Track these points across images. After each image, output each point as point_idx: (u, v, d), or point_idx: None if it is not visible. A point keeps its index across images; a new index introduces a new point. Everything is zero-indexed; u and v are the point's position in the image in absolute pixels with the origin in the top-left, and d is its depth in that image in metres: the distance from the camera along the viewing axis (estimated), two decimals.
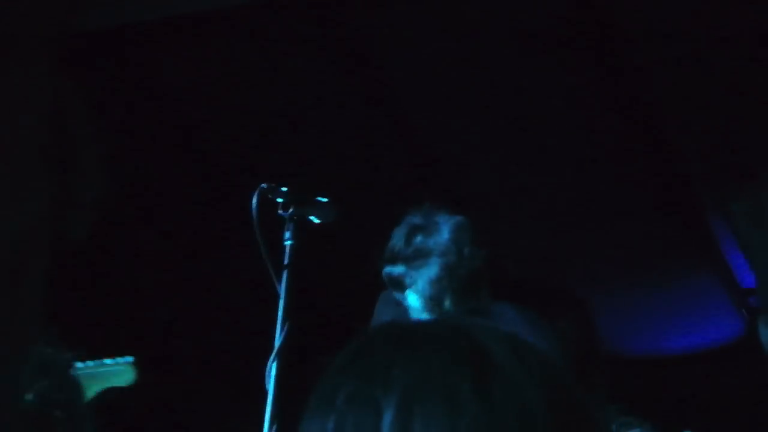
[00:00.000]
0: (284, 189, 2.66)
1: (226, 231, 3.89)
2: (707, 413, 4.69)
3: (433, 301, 2.61)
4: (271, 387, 2.36)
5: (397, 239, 2.76)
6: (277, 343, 2.43)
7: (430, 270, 2.64)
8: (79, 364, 2.12)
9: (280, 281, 2.53)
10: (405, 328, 0.79)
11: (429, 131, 4.10)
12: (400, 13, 3.68)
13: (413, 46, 3.76)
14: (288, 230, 2.64)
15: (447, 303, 2.60)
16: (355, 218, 3.16)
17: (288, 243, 2.62)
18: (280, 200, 2.65)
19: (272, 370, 2.39)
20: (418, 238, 2.72)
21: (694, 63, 3.63)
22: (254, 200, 2.60)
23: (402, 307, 2.77)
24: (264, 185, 2.64)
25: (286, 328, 2.45)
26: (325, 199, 2.70)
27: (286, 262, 2.58)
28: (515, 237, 4.34)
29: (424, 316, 2.62)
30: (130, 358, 2.94)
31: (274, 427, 2.31)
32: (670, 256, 4.62)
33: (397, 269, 2.74)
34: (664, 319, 5.07)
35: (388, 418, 0.72)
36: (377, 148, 4.08)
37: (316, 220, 2.69)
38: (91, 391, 2.64)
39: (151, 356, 4.10)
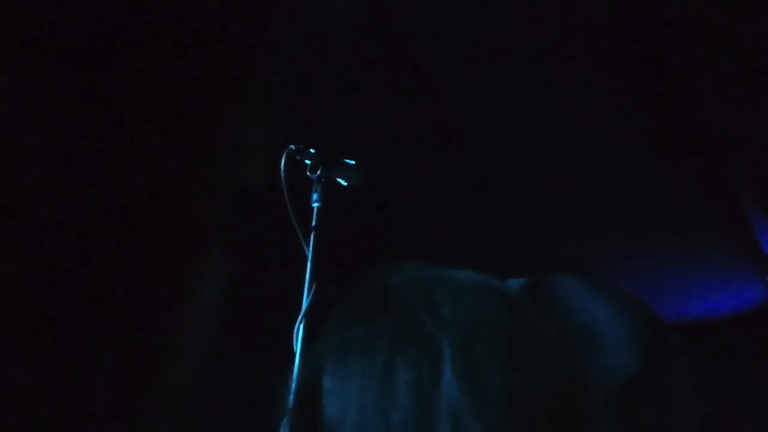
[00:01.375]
0: (312, 151, 2.66)
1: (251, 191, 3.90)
2: (726, 381, 4.69)
3: None
4: (298, 349, 2.38)
5: None
6: (304, 305, 2.44)
7: None
8: None
9: (307, 243, 2.54)
10: (426, 277, 0.75)
11: (455, 97, 4.08)
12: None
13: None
14: (315, 192, 2.64)
15: None
16: (383, 181, 3.16)
17: (315, 205, 2.62)
18: (308, 162, 2.65)
19: (299, 332, 2.41)
20: None
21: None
22: (282, 161, 2.60)
23: None
24: (292, 146, 2.64)
25: (313, 291, 2.46)
26: (352, 162, 2.70)
27: (313, 224, 2.59)
28: (535, 202, 4.33)
29: None
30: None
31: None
32: (691, 220, 4.60)
33: None
34: (685, 284, 5.06)
35: (448, 355, 0.67)
36: (405, 113, 4.07)
37: (344, 183, 2.69)
38: None
39: None
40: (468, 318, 0.69)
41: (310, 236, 2.56)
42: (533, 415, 0.66)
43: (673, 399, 0.87)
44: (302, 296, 2.46)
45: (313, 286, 2.47)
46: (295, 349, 2.37)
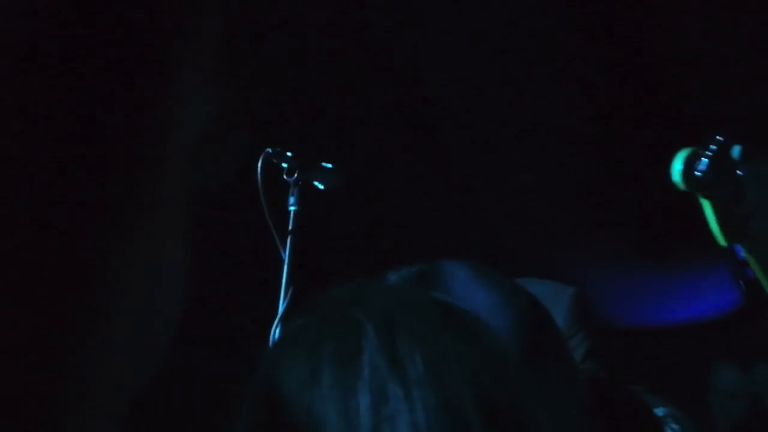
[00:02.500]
0: (289, 154, 2.66)
1: (230, 194, 3.90)
2: (702, 384, 4.73)
3: None
4: None
5: None
6: (281, 308, 2.44)
7: None
8: None
9: (284, 247, 2.54)
10: (361, 284, 0.79)
11: (437, 100, 4.09)
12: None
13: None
14: (292, 195, 2.64)
15: None
16: (359, 184, 3.16)
17: (292, 208, 2.62)
18: (284, 165, 2.65)
19: (276, 334, 2.41)
20: None
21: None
22: (259, 165, 2.60)
23: None
24: (269, 150, 2.64)
25: (290, 294, 2.46)
26: (329, 165, 2.71)
27: (290, 227, 2.59)
28: (514, 209, 4.34)
29: None
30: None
31: None
32: (665, 226, 4.63)
33: None
34: (660, 289, 5.09)
35: (370, 333, 0.71)
36: (383, 116, 4.07)
37: (321, 186, 2.69)
38: None
39: None
40: (390, 305, 0.72)
41: (286, 240, 2.56)
42: (453, 381, 0.68)
43: (549, 385, 0.89)
44: (279, 299, 2.46)
45: (290, 290, 2.47)
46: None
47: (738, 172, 1.02)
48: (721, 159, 1.07)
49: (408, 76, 3.97)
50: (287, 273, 2.51)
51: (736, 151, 1.09)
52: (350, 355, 0.70)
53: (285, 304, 2.45)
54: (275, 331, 2.40)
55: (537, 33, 3.71)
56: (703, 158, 1.09)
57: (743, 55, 3.68)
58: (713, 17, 3.56)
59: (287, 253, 2.53)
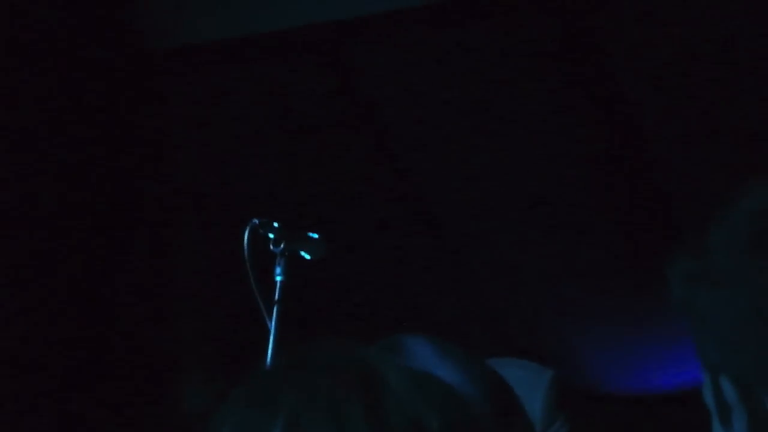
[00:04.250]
0: (276, 225, 2.67)
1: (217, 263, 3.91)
2: None
3: None
4: None
5: None
6: None
7: None
8: None
9: (270, 317, 2.54)
10: (300, 355, 0.78)
11: (422, 169, 4.13)
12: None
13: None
14: (279, 266, 2.65)
15: None
16: (346, 254, 3.18)
17: (278, 279, 2.63)
18: (271, 236, 2.66)
19: None
20: None
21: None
22: (245, 235, 2.61)
23: None
24: (256, 220, 2.65)
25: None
26: (315, 235, 2.72)
27: (276, 298, 2.59)
28: (503, 275, 4.35)
29: None
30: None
31: None
32: (655, 286, 4.62)
33: None
34: (652, 354, 5.08)
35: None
36: (367, 185, 4.10)
37: (308, 256, 2.70)
38: None
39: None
40: (303, 400, 0.73)
41: (273, 310, 2.56)
42: None
43: None
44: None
45: (276, 359, 2.47)
46: None
47: None
48: None
49: (390, 141, 4.01)
50: (273, 343, 2.51)
51: None
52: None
53: None
54: None
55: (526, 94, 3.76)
56: None
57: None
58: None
59: (273, 323, 2.54)
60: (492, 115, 3.78)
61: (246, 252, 2.59)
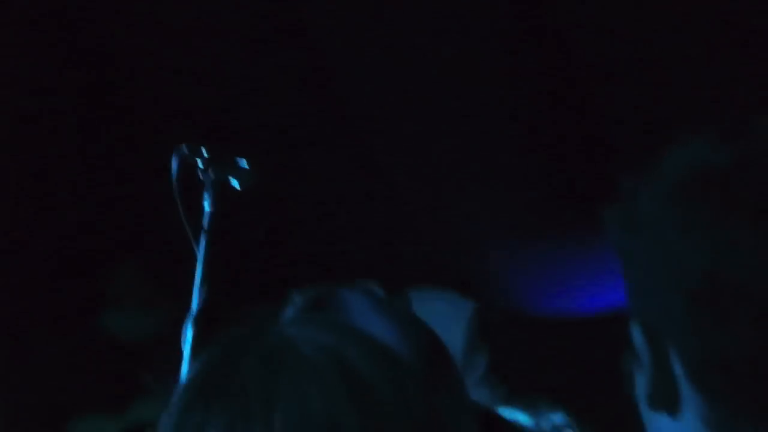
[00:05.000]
0: (204, 151, 2.65)
1: (144, 190, 3.87)
2: (615, 376, 4.81)
3: None
4: (186, 350, 2.38)
5: None
6: (193, 306, 2.44)
7: None
8: None
9: (198, 245, 2.54)
10: (272, 344, 0.76)
11: (356, 92, 4.11)
12: None
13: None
14: (207, 194, 2.63)
15: None
16: (277, 182, 3.17)
17: (207, 207, 2.62)
18: (200, 163, 2.63)
19: (188, 333, 2.41)
20: None
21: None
22: (174, 162, 2.59)
23: None
24: (184, 147, 2.63)
25: (203, 293, 2.46)
26: (245, 163, 2.70)
27: (204, 226, 2.58)
28: (420, 192, 4.37)
29: None
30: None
31: None
32: (587, 210, 4.67)
33: None
34: (578, 277, 5.16)
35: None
36: (301, 109, 4.08)
37: (237, 184, 2.69)
38: None
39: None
40: (301, 416, 0.73)
41: (200, 239, 2.56)
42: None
43: (439, 418, 0.92)
44: (192, 299, 2.46)
45: (203, 288, 2.48)
46: (183, 351, 2.38)
47: None
48: None
49: (327, 71, 3.98)
50: (201, 271, 2.51)
51: None
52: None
53: (197, 305, 2.45)
54: (186, 332, 2.40)
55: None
56: None
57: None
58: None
59: (201, 252, 2.53)
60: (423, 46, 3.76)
61: (174, 179, 2.57)
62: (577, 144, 4.32)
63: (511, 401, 1.19)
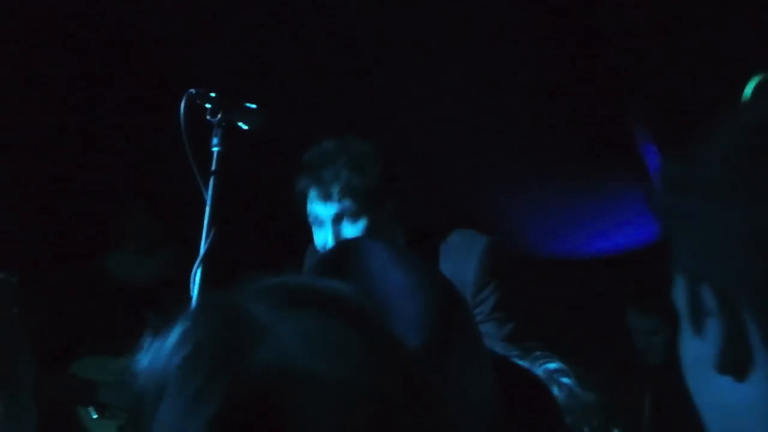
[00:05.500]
0: (213, 95, 2.66)
1: (155, 135, 3.89)
2: (620, 314, 4.85)
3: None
4: (195, 293, 2.41)
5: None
6: (202, 249, 2.47)
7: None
8: None
9: (206, 188, 2.56)
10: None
11: (365, 39, 4.09)
12: None
13: None
14: (216, 136, 2.65)
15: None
16: (284, 124, 3.18)
17: (215, 149, 2.63)
18: (208, 106, 2.65)
19: (197, 276, 2.44)
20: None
21: None
22: (182, 106, 2.60)
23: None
24: (192, 90, 2.64)
25: (211, 235, 2.49)
26: (253, 105, 2.71)
27: (213, 168, 2.60)
28: (428, 139, 4.38)
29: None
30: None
31: None
32: (589, 157, 4.69)
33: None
34: (584, 222, 5.18)
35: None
36: (310, 54, 4.07)
37: (245, 127, 2.70)
38: None
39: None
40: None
41: (209, 180, 2.58)
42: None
43: (457, 373, 0.92)
44: (201, 240, 2.48)
45: (212, 231, 2.50)
46: (191, 293, 2.41)
47: None
48: None
49: (339, 20, 3.97)
50: (209, 214, 2.54)
51: None
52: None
53: (206, 245, 2.48)
54: (196, 273, 2.43)
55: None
56: None
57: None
58: None
59: (210, 193, 2.55)
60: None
61: (182, 122, 2.58)
62: (592, 99, 4.32)
63: (507, 347, 1.22)
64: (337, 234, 2.74)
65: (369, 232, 2.74)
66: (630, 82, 4.30)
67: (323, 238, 2.76)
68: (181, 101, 2.60)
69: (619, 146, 4.72)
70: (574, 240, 5.30)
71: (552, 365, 1.30)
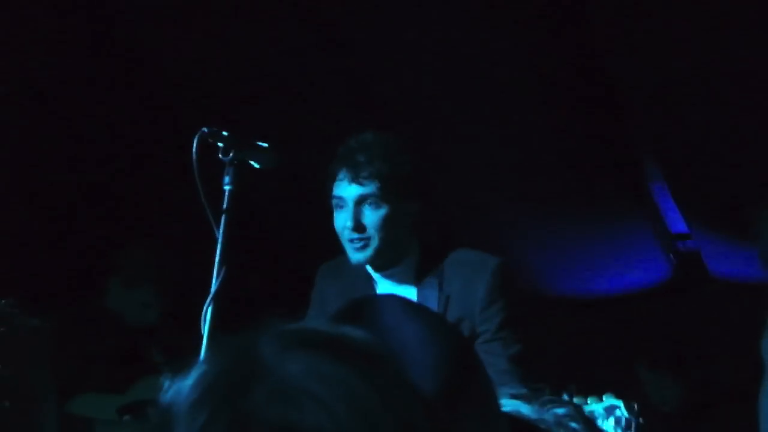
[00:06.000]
0: (225, 133, 2.68)
1: (167, 174, 3.91)
2: (629, 356, 4.84)
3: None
4: (206, 331, 2.43)
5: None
6: (213, 287, 2.48)
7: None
8: None
9: (218, 226, 2.57)
10: (279, 379, 0.80)
11: (373, 76, 4.11)
12: None
13: None
14: (228, 175, 2.67)
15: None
16: (297, 165, 3.20)
17: (227, 188, 2.65)
18: (220, 144, 2.67)
19: (208, 314, 2.45)
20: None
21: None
22: (195, 144, 2.62)
23: (344, 279, 2.87)
24: (205, 129, 2.66)
25: (222, 273, 2.50)
26: (266, 144, 2.73)
27: (224, 206, 2.62)
28: (438, 174, 4.39)
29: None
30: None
31: None
32: (600, 197, 4.71)
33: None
34: (593, 261, 5.18)
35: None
36: (322, 92, 4.09)
37: (257, 165, 2.72)
38: None
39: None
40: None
41: (221, 219, 2.59)
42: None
43: (470, 420, 0.93)
44: (212, 278, 2.50)
45: (223, 269, 2.52)
46: (202, 331, 2.42)
47: None
48: None
49: (349, 53, 3.99)
50: (221, 252, 2.55)
51: None
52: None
53: (217, 283, 2.49)
54: (207, 311, 2.45)
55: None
56: None
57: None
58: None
59: (221, 232, 2.57)
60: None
61: (195, 160, 2.60)
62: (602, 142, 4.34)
63: (515, 393, 1.22)
64: (357, 216, 2.75)
65: (387, 222, 2.76)
66: (642, 123, 4.32)
67: (343, 220, 2.78)
68: (193, 139, 2.63)
69: (630, 186, 4.73)
70: (582, 279, 5.31)
71: (561, 410, 1.31)
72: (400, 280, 2.87)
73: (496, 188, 4.58)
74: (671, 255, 5.34)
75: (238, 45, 3.82)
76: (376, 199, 2.75)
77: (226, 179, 2.66)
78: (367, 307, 0.97)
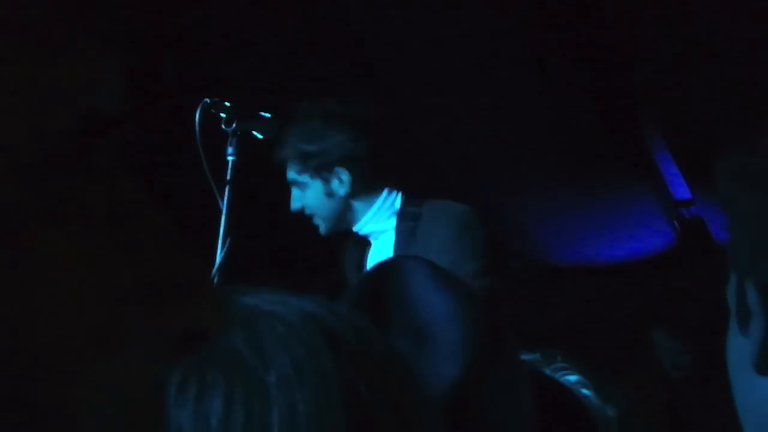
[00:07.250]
0: (227, 104, 2.67)
1: (169, 145, 3.89)
2: (635, 323, 4.85)
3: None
4: None
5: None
6: (218, 259, 2.48)
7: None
8: None
9: (222, 197, 2.57)
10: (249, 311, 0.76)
11: (377, 42, 4.09)
12: None
13: None
14: (230, 145, 2.66)
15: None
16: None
17: (230, 158, 2.64)
18: (223, 115, 2.66)
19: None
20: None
21: None
22: (197, 115, 2.61)
23: (359, 247, 2.84)
24: (207, 100, 2.64)
25: (227, 244, 2.50)
26: (268, 114, 2.72)
27: (228, 177, 2.61)
28: (447, 144, 4.37)
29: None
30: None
31: None
32: (603, 164, 4.69)
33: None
34: (596, 228, 5.18)
35: (276, 398, 0.70)
36: (325, 61, 4.07)
37: (260, 135, 2.71)
38: None
39: None
40: (294, 365, 0.74)
41: (224, 190, 2.58)
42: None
43: (499, 401, 0.92)
44: (216, 249, 2.49)
45: (228, 240, 2.51)
46: None
47: None
48: None
49: (347, 20, 3.97)
50: (225, 223, 2.54)
51: None
52: (258, 422, 0.72)
53: (222, 254, 2.48)
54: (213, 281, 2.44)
55: None
56: None
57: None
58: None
59: (225, 202, 2.56)
60: None
61: (198, 131, 2.59)
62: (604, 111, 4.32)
63: (527, 359, 1.21)
64: (293, 199, 2.75)
65: (314, 201, 2.73)
66: (647, 93, 4.30)
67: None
68: (195, 111, 2.61)
69: (633, 154, 4.72)
70: (588, 247, 5.31)
71: (572, 377, 1.29)
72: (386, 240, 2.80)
73: (502, 159, 4.56)
74: (675, 222, 5.34)
75: (242, 18, 3.80)
76: (298, 183, 2.74)
77: (229, 149, 2.65)
78: (393, 274, 0.94)
